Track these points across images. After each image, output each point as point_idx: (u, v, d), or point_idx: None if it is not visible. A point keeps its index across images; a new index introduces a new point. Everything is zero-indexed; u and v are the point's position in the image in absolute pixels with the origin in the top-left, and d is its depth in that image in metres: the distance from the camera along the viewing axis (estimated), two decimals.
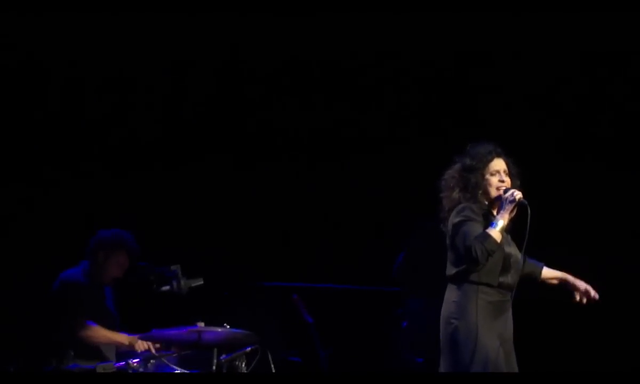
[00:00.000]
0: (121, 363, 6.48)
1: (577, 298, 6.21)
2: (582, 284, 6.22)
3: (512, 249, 6.01)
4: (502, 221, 5.88)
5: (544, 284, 6.31)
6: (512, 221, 5.98)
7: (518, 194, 5.93)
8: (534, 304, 6.06)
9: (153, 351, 6.75)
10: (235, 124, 8.69)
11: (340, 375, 7.40)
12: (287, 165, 8.78)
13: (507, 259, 5.94)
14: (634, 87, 8.28)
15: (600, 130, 8.46)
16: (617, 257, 8.22)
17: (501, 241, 5.87)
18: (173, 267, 6.60)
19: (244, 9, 7.92)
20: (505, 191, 5.97)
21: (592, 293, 6.19)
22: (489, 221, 5.94)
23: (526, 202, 5.93)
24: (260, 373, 6.56)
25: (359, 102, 8.65)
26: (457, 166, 6.10)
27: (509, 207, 5.91)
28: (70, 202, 8.15)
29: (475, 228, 5.87)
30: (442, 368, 5.92)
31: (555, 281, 6.30)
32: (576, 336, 8.18)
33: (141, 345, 6.79)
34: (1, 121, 8.13)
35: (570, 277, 6.27)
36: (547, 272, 6.29)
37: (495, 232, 5.84)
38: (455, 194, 6.02)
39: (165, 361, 6.61)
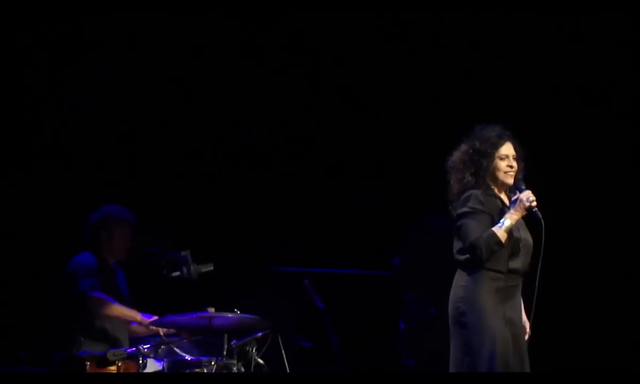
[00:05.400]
0: (132, 349, 6.47)
1: None
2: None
3: (522, 233, 5.96)
4: (509, 221, 5.82)
5: None
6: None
7: (534, 202, 5.85)
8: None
9: (162, 335, 6.75)
10: (246, 116, 8.67)
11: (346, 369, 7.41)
12: (298, 150, 8.76)
13: (516, 243, 5.90)
14: None
15: None
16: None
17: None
18: (183, 253, 6.59)
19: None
20: (520, 189, 5.89)
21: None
22: (496, 206, 5.91)
23: (540, 216, 5.86)
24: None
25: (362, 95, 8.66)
26: (465, 148, 6.03)
27: (521, 210, 5.85)
28: (82, 192, 8.12)
29: (480, 222, 5.83)
30: (452, 350, 5.89)
31: None
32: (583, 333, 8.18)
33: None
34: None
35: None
36: None
37: (501, 232, 5.80)
38: (467, 178, 5.97)
39: (176, 348, 6.60)
